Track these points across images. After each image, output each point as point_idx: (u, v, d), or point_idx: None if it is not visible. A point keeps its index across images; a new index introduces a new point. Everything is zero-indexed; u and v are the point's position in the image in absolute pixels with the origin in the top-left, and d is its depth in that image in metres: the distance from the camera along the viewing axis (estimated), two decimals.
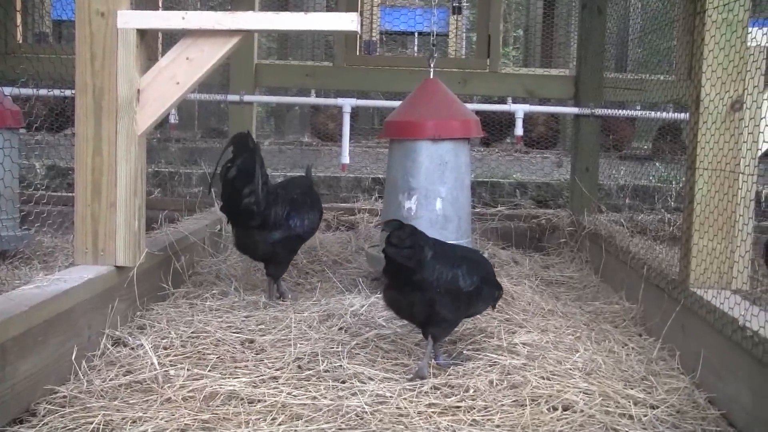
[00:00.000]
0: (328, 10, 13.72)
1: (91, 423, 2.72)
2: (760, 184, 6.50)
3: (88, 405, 2.87)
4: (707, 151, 3.45)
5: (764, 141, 3.48)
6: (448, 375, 3.23)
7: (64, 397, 2.93)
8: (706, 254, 3.48)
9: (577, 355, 3.49)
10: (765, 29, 3.46)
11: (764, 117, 3.47)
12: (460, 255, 3.55)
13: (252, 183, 4.03)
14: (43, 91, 6.07)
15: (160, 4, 6.81)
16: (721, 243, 3.46)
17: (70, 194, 3.78)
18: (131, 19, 3.59)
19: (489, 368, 3.33)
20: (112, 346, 3.42)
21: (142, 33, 3.66)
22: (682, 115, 6.98)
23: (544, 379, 3.21)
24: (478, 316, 3.71)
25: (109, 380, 3.09)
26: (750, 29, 3.42)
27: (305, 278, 4.98)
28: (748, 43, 3.41)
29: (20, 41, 6.60)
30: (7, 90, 5.31)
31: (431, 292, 3.34)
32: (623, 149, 10.31)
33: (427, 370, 3.27)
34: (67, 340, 3.11)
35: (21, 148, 5.30)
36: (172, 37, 5.26)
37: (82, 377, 3.09)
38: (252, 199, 4.04)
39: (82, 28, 3.57)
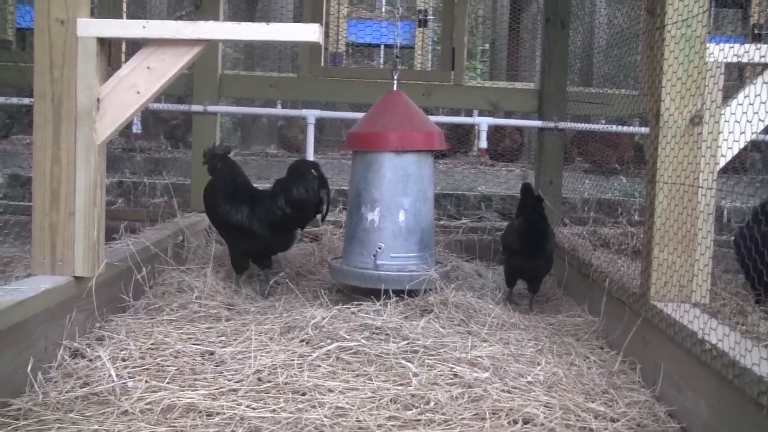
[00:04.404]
0: (295, 22, 13.70)
1: None
2: (720, 199, 6.56)
3: (43, 417, 2.83)
4: (667, 165, 3.47)
5: (722, 156, 3.51)
6: (409, 387, 3.22)
7: (19, 409, 2.88)
8: (667, 268, 3.50)
9: (539, 368, 3.48)
10: (722, 45, 3.49)
11: (722, 132, 3.50)
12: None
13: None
14: (1, 99, 6.03)
15: (124, 13, 6.78)
16: (681, 257, 3.49)
17: (30, 203, 3.73)
18: (91, 28, 3.56)
19: (450, 381, 3.32)
20: (70, 357, 3.37)
21: (103, 41, 3.63)
22: (644, 129, 7.04)
23: (505, 392, 3.20)
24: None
25: (66, 392, 3.04)
26: (708, 45, 3.45)
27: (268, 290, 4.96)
28: (707, 59, 3.44)
29: None
30: None
31: (549, 258, 4.82)
32: (624, 164, 10.32)
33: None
34: (22, 351, 3.06)
35: None
36: (136, 46, 5.23)
37: (37, 389, 3.04)
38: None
39: (41, 36, 3.53)
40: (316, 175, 4.95)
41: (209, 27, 3.65)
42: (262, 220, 4.85)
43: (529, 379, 3.36)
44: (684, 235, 3.47)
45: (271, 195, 4.93)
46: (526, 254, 4.74)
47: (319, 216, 5.01)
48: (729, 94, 3.80)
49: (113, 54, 6.38)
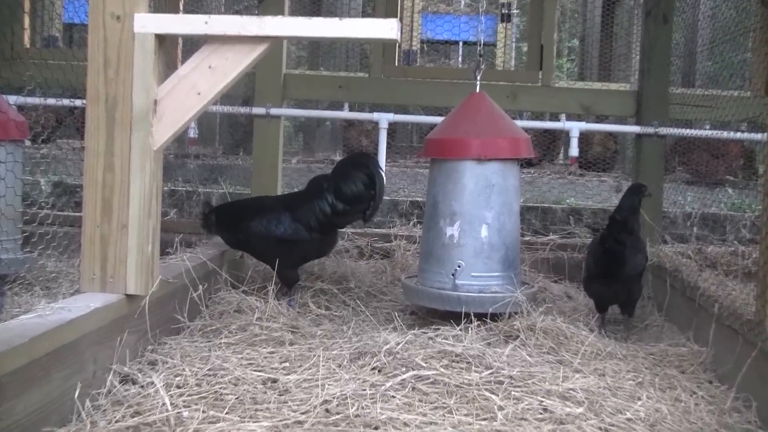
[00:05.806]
0: (364, 16, 13.75)
1: None
2: None
3: None
4: None
5: None
6: (494, 422, 3.17)
7: None
8: None
9: (639, 403, 3.41)
10: None
11: None
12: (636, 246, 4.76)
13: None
14: (51, 101, 6.12)
15: (181, 8, 6.85)
16: None
17: (78, 214, 3.78)
18: (149, 23, 3.59)
19: (539, 416, 3.27)
20: (120, 383, 3.39)
21: (161, 38, 3.66)
22: (759, 136, 6.90)
23: (601, 430, 3.14)
24: None
25: (115, 422, 3.05)
26: None
27: (335, 311, 4.96)
28: None
29: (27, 45, 6.65)
30: (12, 99, 5.34)
31: (628, 282, 4.70)
32: (732, 174, 10.13)
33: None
34: (70, 376, 3.09)
35: (25, 163, 5.32)
36: (193, 44, 5.27)
37: (85, 418, 3.07)
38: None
39: (95, 33, 3.58)
40: (373, 169, 5.10)
41: (277, 22, 3.65)
42: (309, 221, 5.00)
43: (629, 415, 3.29)
44: None
45: (315, 193, 5.06)
46: (601, 278, 4.74)
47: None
48: None
49: (169, 52, 6.47)
